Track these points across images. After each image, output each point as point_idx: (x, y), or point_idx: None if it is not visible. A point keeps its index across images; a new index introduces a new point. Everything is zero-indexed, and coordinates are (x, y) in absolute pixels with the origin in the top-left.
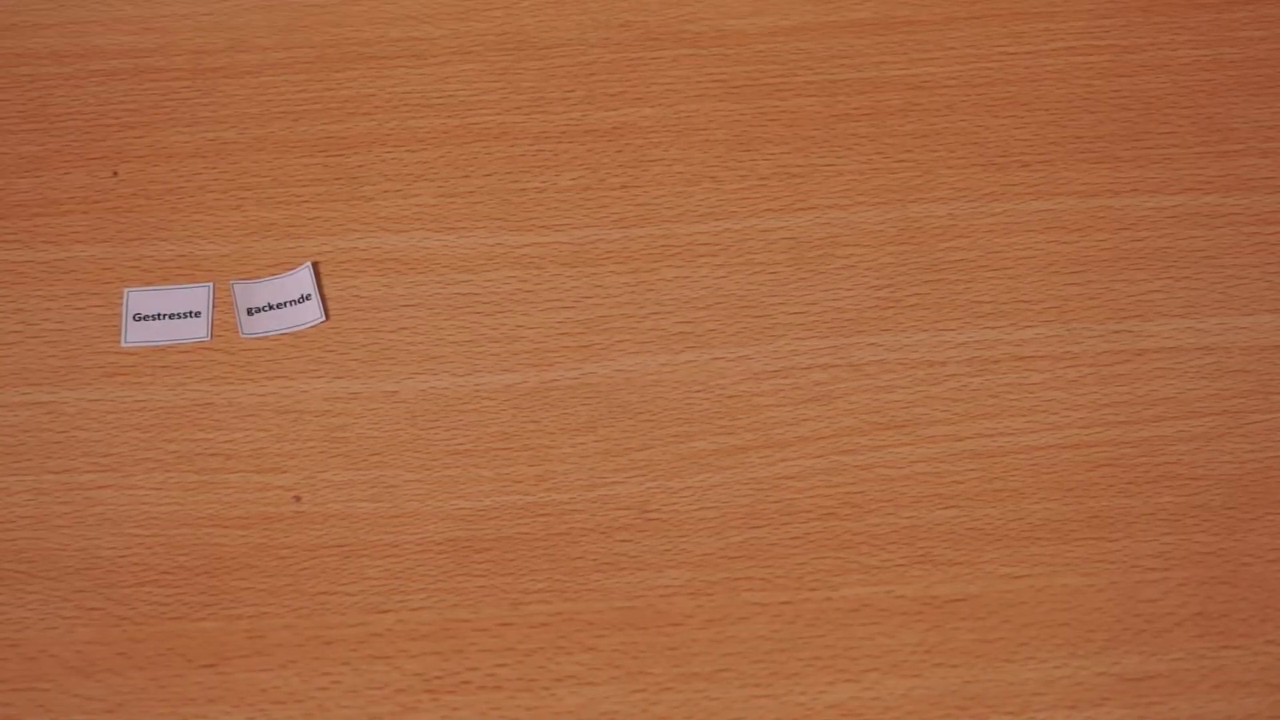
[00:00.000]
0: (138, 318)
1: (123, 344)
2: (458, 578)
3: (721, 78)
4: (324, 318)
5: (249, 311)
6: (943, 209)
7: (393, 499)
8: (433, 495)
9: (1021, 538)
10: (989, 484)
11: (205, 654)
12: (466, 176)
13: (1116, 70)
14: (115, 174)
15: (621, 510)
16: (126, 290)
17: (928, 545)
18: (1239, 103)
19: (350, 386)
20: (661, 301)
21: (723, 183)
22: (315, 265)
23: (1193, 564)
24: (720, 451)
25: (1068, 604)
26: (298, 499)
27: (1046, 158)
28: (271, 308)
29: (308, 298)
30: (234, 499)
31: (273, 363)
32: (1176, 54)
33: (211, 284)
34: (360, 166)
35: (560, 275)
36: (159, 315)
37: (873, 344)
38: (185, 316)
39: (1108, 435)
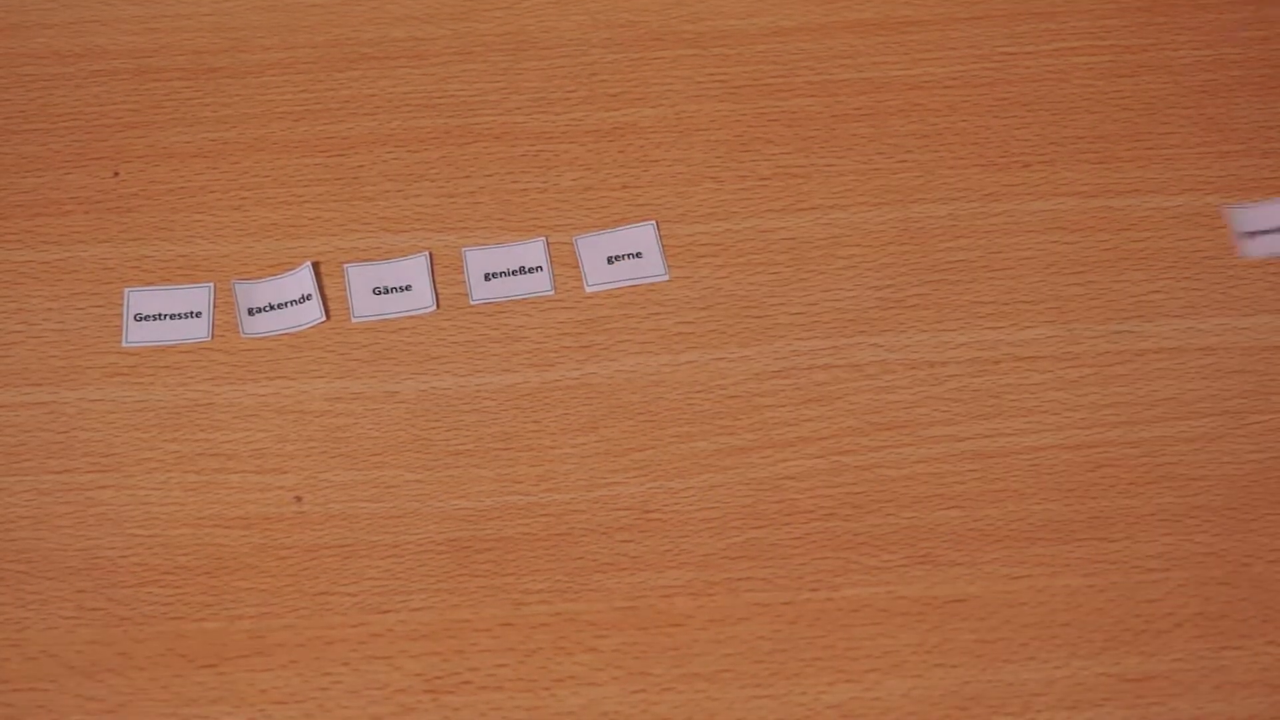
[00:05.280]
0: (139, 318)
1: (124, 344)
2: (458, 578)
3: (722, 78)
4: (325, 317)
5: (250, 311)
6: (943, 209)
7: (394, 499)
8: (434, 495)
9: (1022, 538)
10: (990, 484)
11: (206, 654)
12: (467, 176)
13: (1117, 70)
14: (116, 174)
15: (622, 510)
16: (127, 290)
17: (928, 546)
18: (1240, 103)
19: (351, 386)
20: (663, 302)
21: (723, 183)
22: (316, 265)
23: (1193, 564)
24: (721, 452)
25: (1068, 604)
26: (299, 499)
27: (1047, 158)
28: (272, 308)
29: (309, 298)
30: (235, 499)
31: (274, 363)
32: (1177, 54)
33: (212, 284)
34: (361, 166)
35: (561, 275)
36: (160, 315)
37: (874, 344)
38: (186, 316)
39: (1108, 436)
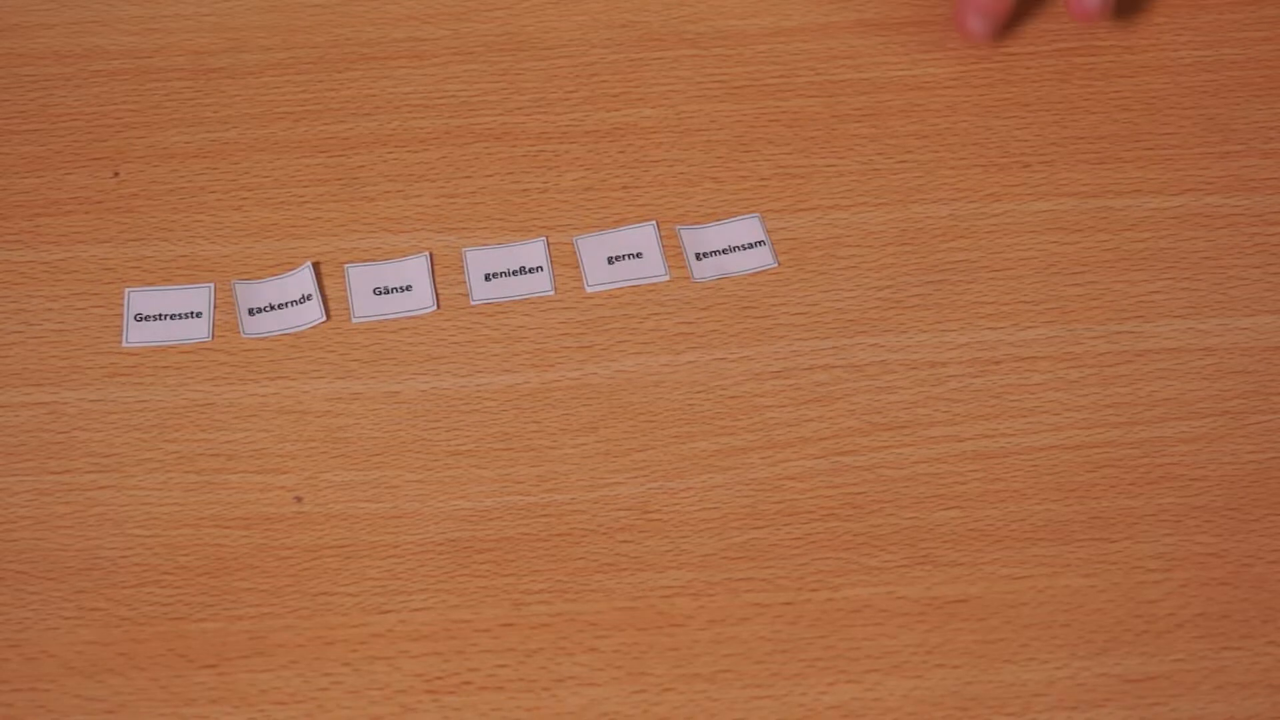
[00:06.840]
0: (139, 318)
1: (124, 344)
2: (459, 578)
3: (723, 78)
4: (325, 318)
5: (250, 311)
6: (944, 209)
7: (394, 499)
8: (434, 496)
9: (1023, 539)
10: (990, 485)
11: (206, 654)
12: (468, 177)
13: (1118, 71)
14: (117, 174)
15: (623, 511)
16: (128, 290)
17: (929, 546)
18: (1241, 103)
19: (351, 387)
20: (663, 302)
21: (723, 183)
22: (316, 265)
23: (1194, 565)
24: (721, 452)
25: (1069, 605)
26: (299, 499)
27: (1048, 158)
28: (273, 308)
29: (309, 298)
30: (235, 499)
31: (274, 363)
32: (1178, 54)
33: (213, 284)
34: (361, 167)
35: (561, 275)
36: (160, 315)
37: (874, 344)
38: (186, 317)
39: (1109, 436)
